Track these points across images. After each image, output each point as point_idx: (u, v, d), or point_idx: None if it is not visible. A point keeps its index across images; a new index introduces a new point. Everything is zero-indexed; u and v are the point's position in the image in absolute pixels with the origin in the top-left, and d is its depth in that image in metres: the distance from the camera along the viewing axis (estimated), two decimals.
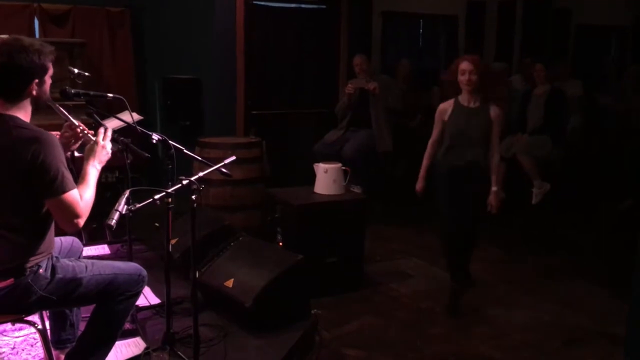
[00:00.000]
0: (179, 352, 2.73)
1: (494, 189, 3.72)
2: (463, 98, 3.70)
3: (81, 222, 2.24)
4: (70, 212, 2.20)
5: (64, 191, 2.18)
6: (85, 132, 2.54)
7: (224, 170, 2.81)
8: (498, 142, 3.72)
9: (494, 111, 3.66)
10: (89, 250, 4.02)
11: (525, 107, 6.02)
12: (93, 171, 2.37)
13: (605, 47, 9.48)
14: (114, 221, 2.25)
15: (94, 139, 2.47)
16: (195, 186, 2.51)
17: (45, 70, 2.28)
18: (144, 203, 2.41)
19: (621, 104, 6.76)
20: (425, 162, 3.86)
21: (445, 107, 3.76)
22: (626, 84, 6.94)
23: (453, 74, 3.67)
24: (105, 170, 2.48)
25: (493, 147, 3.70)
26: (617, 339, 3.33)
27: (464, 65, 3.60)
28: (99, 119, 2.83)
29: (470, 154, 3.66)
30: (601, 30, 9.06)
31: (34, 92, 2.27)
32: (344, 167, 4.17)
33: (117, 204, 2.30)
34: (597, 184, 6.23)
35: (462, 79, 3.61)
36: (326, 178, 4.09)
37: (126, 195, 2.35)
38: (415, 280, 4.34)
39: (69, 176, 2.21)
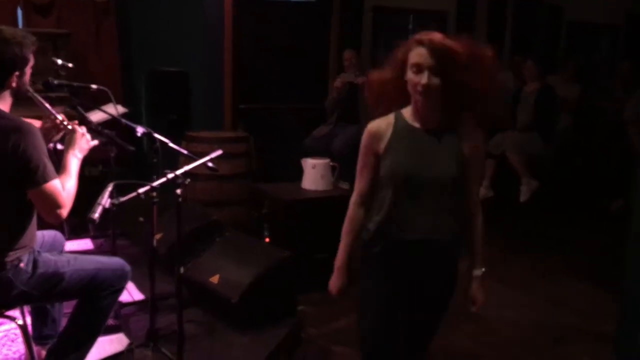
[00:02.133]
0: (162, 349, 2.70)
1: (476, 273, 2.18)
2: (411, 113, 2.08)
3: (64, 212, 2.21)
4: (52, 202, 2.17)
5: (46, 181, 2.15)
6: (66, 123, 2.50)
7: (209, 164, 2.76)
8: (479, 192, 2.17)
9: (470, 137, 2.05)
10: (71, 245, 3.94)
11: (515, 104, 6.01)
12: (74, 160, 2.33)
13: (596, 45, 9.51)
14: (97, 215, 2.21)
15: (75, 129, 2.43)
16: (180, 180, 2.46)
17: (26, 62, 2.25)
18: (128, 197, 2.36)
19: (612, 102, 6.78)
20: (344, 240, 2.30)
21: (380, 130, 2.12)
22: (617, 82, 6.96)
23: (395, 69, 2.06)
24: (88, 164, 2.45)
25: (471, 201, 2.11)
26: (607, 337, 3.33)
27: (420, 52, 1.95)
28: (83, 111, 2.78)
29: (433, 219, 2.05)
30: (592, 28, 9.08)
31: (14, 84, 2.23)
32: (332, 163, 4.13)
33: (101, 198, 2.26)
34: (588, 182, 6.23)
35: (415, 79, 1.96)
36: (314, 173, 4.05)
37: (110, 189, 2.31)
38: None
39: (50, 166, 2.18)
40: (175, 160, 4.04)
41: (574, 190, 6.11)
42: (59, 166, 2.30)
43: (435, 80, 1.93)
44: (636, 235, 2.86)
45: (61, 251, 2.66)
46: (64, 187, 2.22)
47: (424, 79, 1.93)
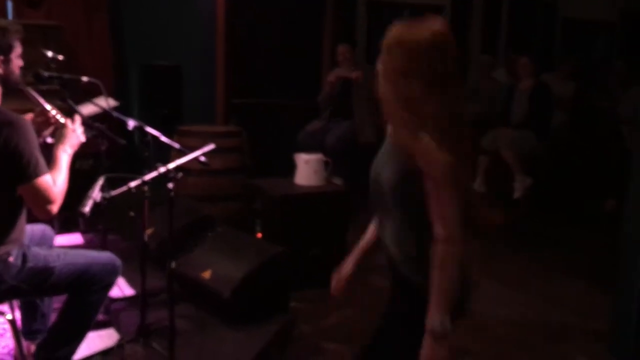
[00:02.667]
0: (153, 344, 2.68)
1: (432, 326, 1.63)
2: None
3: (55, 208, 2.19)
4: (43, 197, 2.15)
5: (37, 176, 2.13)
6: (58, 117, 2.47)
7: (201, 158, 2.73)
8: (442, 223, 1.60)
9: (418, 151, 1.57)
10: (61, 240, 3.91)
11: (509, 101, 6.00)
12: (64, 156, 2.32)
13: (592, 43, 9.51)
14: (87, 208, 2.19)
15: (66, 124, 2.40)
16: (172, 174, 2.44)
17: (11, 48, 2.23)
18: (119, 190, 2.34)
19: (608, 100, 6.79)
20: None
21: None
22: (612, 80, 6.97)
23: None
24: (79, 157, 2.42)
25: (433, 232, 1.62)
26: (601, 334, 3.33)
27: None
28: (73, 104, 2.74)
29: (387, 244, 1.82)
30: (588, 26, 9.08)
31: (0, 70, 2.20)
32: (325, 158, 4.11)
33: (91, 191, 2.25)
34: (583, 181, 6.24)
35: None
36: (307, 169, 4.03)
37: (101, 182, 2.28)
38: None
39: (42, 161, 2.16)
40: (166, 155, 4.01)
41: (569, 188, 6.12)
42: (49, 161, 2.27)
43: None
44: (628, 234, 2.86)
45: (51, 245, 2.63)
46: (55, 182, 2.21)
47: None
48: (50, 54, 3.32)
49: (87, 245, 3.96)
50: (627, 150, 5.89)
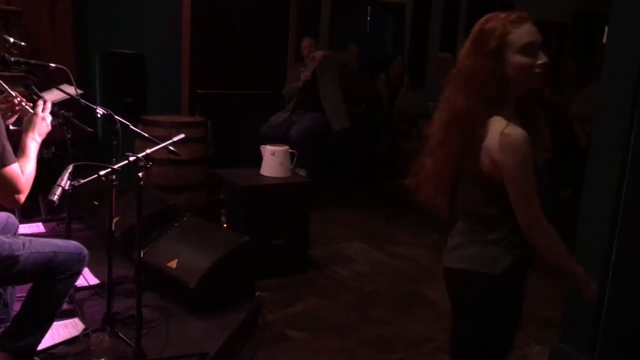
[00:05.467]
0: (119, 333, 2.67)
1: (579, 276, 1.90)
2: (512, 116, 1.78)
3: (22, 197, 2.16)
4: (11, 187, 2.11)
5: (5, 165, 2.09)
6: (23, 103, 2.43)
7: (171, 148, 2.73)
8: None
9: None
10: (23, 229, 3.82)
11: None
12: (33, 144, 2.28)
13: (546, 42, 9.77)
14: (56, 196, 2.16)
15: (32, 111, 2.37)
16: (142, 163, 2.43)
17: None
18: (88, 179, 2.32)
19: (559, 97, 7.02)
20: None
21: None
22: (562, 78, 7.20)
23: (488, 56, 1.78)
24: (41, 146, 2.38)
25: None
26: (551, 321, 3.48)
27: (529, 30, 1.85)
28: (38, 91, 2.70)
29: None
30: (542, 25, 9.32)
31: None
32: (291, 150, 4.15)
33: (60, 179, 2.21)
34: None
35: (530, 61, 1.82)
36: (273, 160, 4.06)
37: (69, 171, 2.26)
38: (359, 263, 4.39)
39: (9, 149, 2.12)
40: (131, 144, 3.98)
41: None
42: (15, 148, 2.23)
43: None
44: (581, 227, 2.99)
45: (15, 234, 2.59)
46: (23, 171, 2.16)
47: (543, 57, 1.78)
48: (11, 40, 3.26)
49: (49, 234, 3.89)
50: (580, 145, 6.14)
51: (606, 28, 2.76)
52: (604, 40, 2.77)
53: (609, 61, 2.80)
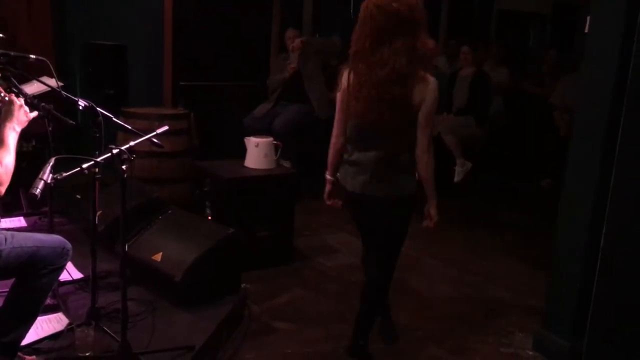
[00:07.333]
0: (104, 328, 2.65)
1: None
2: None
3: (2, 189, 2.11)
4: None
5: None
6: (2, 95, 2.39)
7: (155, 140, 2.71)
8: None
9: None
10: (4, 223, 3.79)
11: (451, 88, 6.18)
12: (12, 134, 2.22)
13: (526, 33, 9.87)
14: (38, 190, 2.13)
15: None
16: (125, 156, 2.41)
17: None
18: (71, 172, 2.29)
19: (540, 87, 7.09)
20: None
21: None
22: (543, 69, 7.27)
23: None
24: (21, 139, 2.33)
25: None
26: (534, 309, 3.53)
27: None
28: (16, 82, 2.65)
29: None
30: (522, 16, 9.41)
31: None
32: (275, 142, 4.14)
33: (42, 173, 2.18)
34: (518, 163, 6.51)
35: None
36: (257, 152, 4.05)
37: (52, 164, 2.23)
38: (343, 254, 4.40)
39: None
40: (112, 136, 3.94)
41: (506, 170, 6.37)
42: None
43: None
44: (563, 216, 3.03)
45: None
46: (2, 162, 2.11)
47: None
48: None
49: (31, 229, 3.85)
50: (559, 135, 6.21)
51: (588, 18, 2.79)
52: (586, 30, 2.79)
53: (590, 51, 2.82)
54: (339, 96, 2.63)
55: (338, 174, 2.80)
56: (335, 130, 2.72)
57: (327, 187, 2.89)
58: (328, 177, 2.86)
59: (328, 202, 2.91)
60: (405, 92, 2.41)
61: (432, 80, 2.46)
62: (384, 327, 3.13)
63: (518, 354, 3.15)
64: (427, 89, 2.44)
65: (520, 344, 3.24)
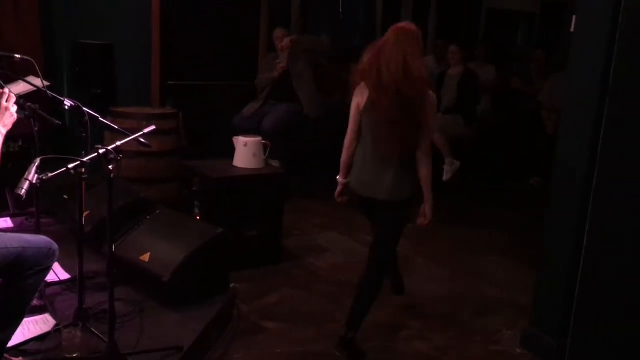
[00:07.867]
0: (92, 328, 2.64)
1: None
2: None
3: None
4: None
5: None
6: None
7: (142, 140, 2.69)
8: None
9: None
10: None
11: (439, 88, 6.19)
12: None
13: (515, 32, 9.91)
14: (24, 191, 2.11)
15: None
16: (112, 156, 2.39)
17: None
18: (57, 172, 2.27)
19: (528, 86, 7.12)
20: None
21: None
22: (532, 68, 7.31)
23: None
24: (8, 139, 2.31)
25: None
26: (523, 307, 3.55)
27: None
28: (1, 82, 2.63)
29: None
30: (511, 15, 9.45)
31: None
32: (264, 141, 4.13)
33: (27, 173, 2.16)
34: (507, 162, 6.53)
35: None
36: (246, 152, 4.04)
37: (37, 164, 2.21)
38: (333, 253, 4.40)
39: None
40: (99, 136, 3.92)
41: (494, 169, 6.40)
42: None
43: None
44: (550, 215, 3.05)
45: None
46: None
47: None
48: None
49: (18, 229, 3.82)
50: (547, 134, 6.25)
51: (574, 17, 2.80)
52: (572, 29, 2.81)
53: (576, 50, 2.84)
54: (353, 105, 2.94)
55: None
56: (348, 135, 3.01)
57: (339, 188, 3.14)
58: (340, 179, 3.10)
59: (338, 200, 3.16)
60: (418, 96, 2.78)
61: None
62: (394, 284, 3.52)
63: (506, 352, 3.17)
64: (430, 96, 2.84)
65: (508, 342, 3.26)
